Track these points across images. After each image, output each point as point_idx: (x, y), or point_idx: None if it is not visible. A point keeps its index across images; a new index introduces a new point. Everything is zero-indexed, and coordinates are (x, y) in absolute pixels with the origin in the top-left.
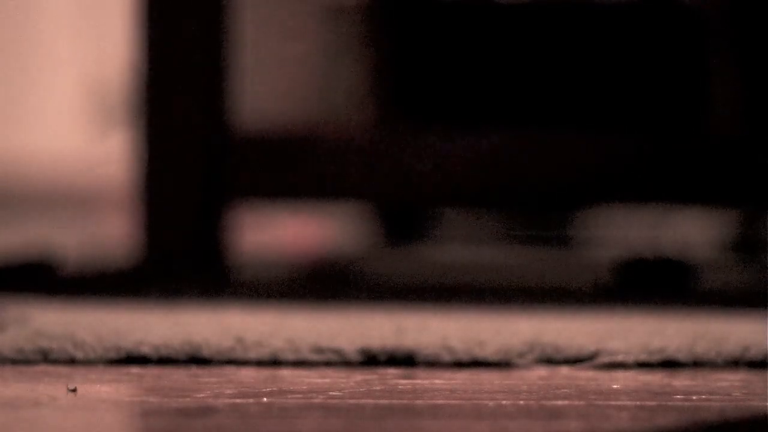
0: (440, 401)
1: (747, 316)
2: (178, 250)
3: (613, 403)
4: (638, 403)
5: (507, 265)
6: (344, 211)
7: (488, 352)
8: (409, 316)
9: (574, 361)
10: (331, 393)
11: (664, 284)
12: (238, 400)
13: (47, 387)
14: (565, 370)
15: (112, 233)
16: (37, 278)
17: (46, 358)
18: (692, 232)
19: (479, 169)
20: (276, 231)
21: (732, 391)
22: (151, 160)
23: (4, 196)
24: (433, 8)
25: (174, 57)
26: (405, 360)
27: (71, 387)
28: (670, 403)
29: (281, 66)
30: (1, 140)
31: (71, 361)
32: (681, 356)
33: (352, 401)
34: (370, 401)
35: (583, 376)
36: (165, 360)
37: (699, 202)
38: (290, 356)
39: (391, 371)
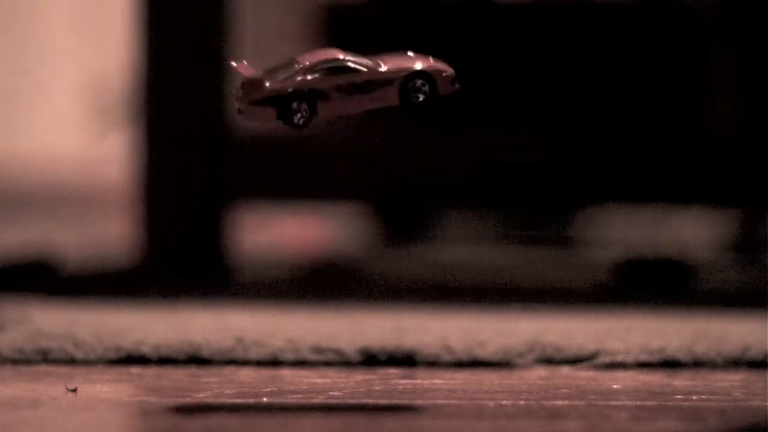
0: (440, 401)
1: (747, 316)
2: (178, 250)
3: (613, 403)
4: (638, 403)
5: (507, 265)
6: (344, 211)
7: (488, 352)
8: (409, 316)
9: (574, 361)
10: (331, 393)
11: (664, 284)
12: (238, 400)
13: (47, 387)
14: (565, 370)
15: (112, 233)
16: (37, 278)
17: (46, 358)
18: (692, 232)
19: (479, 169)
20: (276, 231)
21: (732, 391)
22: (151, 160)
23: (4, 196)
24: (433, 7)
25: (174, 57)
26: (405, 360)
27: (71, 387)
28: (670, 403)
29: None
30: (1, 140)
31: (71, 361)
32: (681, 356)
33: (352, 401)
34: (370, 401)
35: (583, 376)
36: (165, 360)
37: (699, 202)
38: (290, 356)
39: (391, 371)
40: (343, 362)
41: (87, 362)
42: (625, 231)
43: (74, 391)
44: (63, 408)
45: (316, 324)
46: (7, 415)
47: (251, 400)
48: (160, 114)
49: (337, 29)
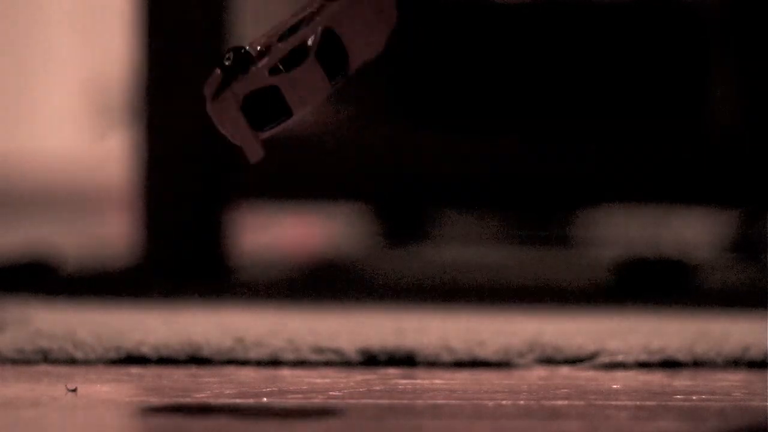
0: (440, 401)
1: (747, 316)
2: (178, 250)
3: (613, 403)
4: (638, 403)
5: (507, 265)
6: (344, 211)
7: (488, 352)
8: (409, 316)
9: (574, 361)
10: (331, 393)
11: (664, 284)
12: (238, 400)
13: (47, 387)
14: (565, 370)
15: (112, 233)
16: (37, 278)
17: (46, 358)
18: (692, 232)
19: (479, 169)
20: (276, 231)
21: (732, 391)
22: (151, 160)
23: (4, 196)
24: (434, 8)
25: (174, 57)
26: (405, 360)
27: (71, 387)
28: (670, 403)
29: None
30: (1, 140)
31: (71, 361)
32: (681, 356)
33: (352, 401)
34: (370, 401)
35: (583, 376)
36: (165, 360)
37: (699, 202)
38: (290, 356)
39: (391, 371)
40: (343, 362)
41: (87, 362)
42: (625, 231)
43: (74, 391)
44: (63, 408)
45: (316, 324)
46: (7, 415)
47: (251, 400)
48: (160, 114)
49: None
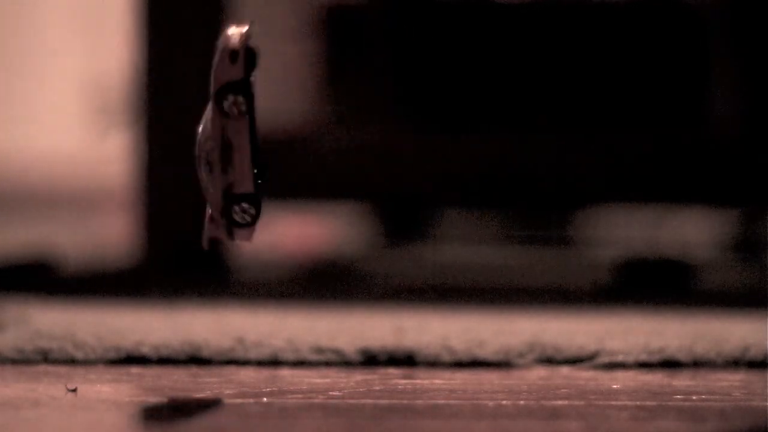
0: (440, 401)
1: (747, 316)
2: (178, 250)
3: (613, 403)
4: (638, 403)
5: (507, 265)
6: (344, 211)
7: (488, 352)
8: (409, 316)
9: (574, 361)
10: (331, 393)
11: (664, 284)
12: (238, 400)
13: (47, 387)
14: (565, 370)
15: (112, 233)
16: (37, 278)
17: (46, 358)
18: (692, 232)
19: (479, 169)
20: (276, 231)
21: (732, 391)
22: (151, 160)
23: (4, 196)
24: (434, 8)
25: (174, 57)
26: (405, 360)
27: (71, 387)
28: (670, 403)
29: (282, 66)
30: (1, 140)
31: (71, 361)
32: (681, 356)
33: (352, 401)
34: (370, 401)
35: (583, 376)
36: (165, 360)
37: (699, 202)
38: (290, 356)
39: (391, 371)
40: (343, 362)
41: (87, 362)
42: (625, 231)
43: (74, 391)
44: (63, 408)
45: (316, 324)
46: (7, 415)
47: (251, 400)
48: (160, 114)
49: (337, 29)
